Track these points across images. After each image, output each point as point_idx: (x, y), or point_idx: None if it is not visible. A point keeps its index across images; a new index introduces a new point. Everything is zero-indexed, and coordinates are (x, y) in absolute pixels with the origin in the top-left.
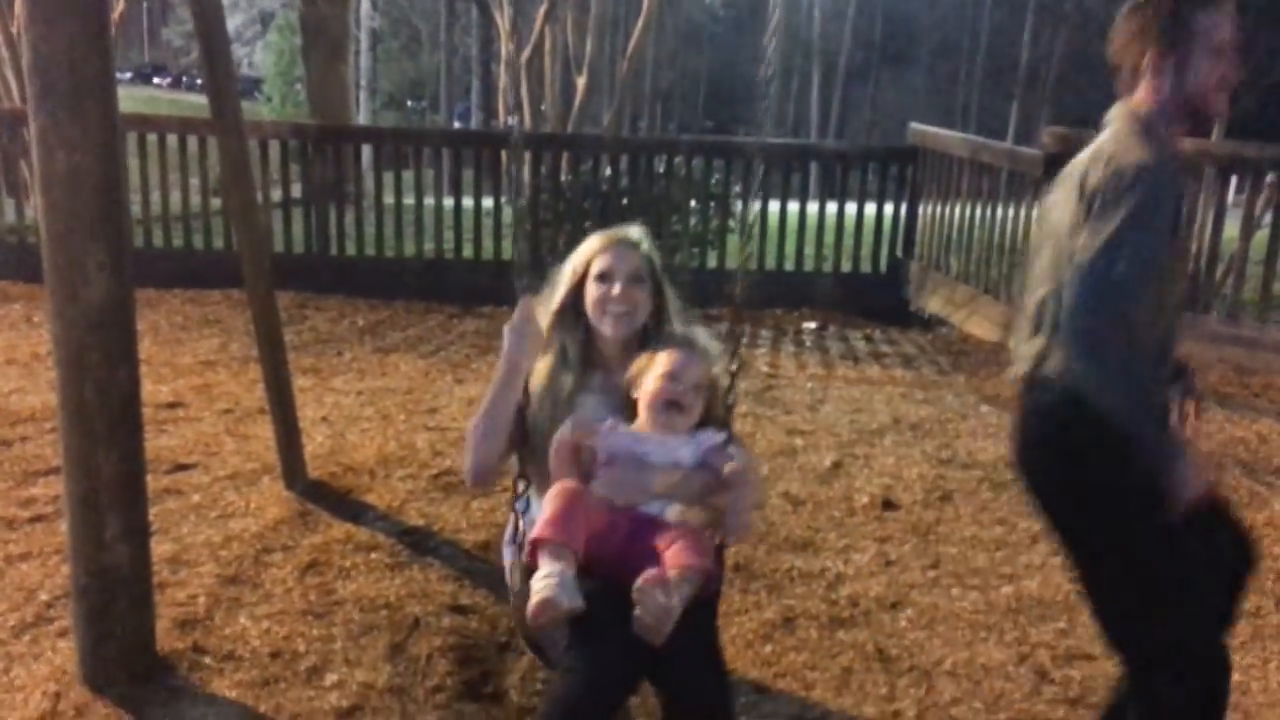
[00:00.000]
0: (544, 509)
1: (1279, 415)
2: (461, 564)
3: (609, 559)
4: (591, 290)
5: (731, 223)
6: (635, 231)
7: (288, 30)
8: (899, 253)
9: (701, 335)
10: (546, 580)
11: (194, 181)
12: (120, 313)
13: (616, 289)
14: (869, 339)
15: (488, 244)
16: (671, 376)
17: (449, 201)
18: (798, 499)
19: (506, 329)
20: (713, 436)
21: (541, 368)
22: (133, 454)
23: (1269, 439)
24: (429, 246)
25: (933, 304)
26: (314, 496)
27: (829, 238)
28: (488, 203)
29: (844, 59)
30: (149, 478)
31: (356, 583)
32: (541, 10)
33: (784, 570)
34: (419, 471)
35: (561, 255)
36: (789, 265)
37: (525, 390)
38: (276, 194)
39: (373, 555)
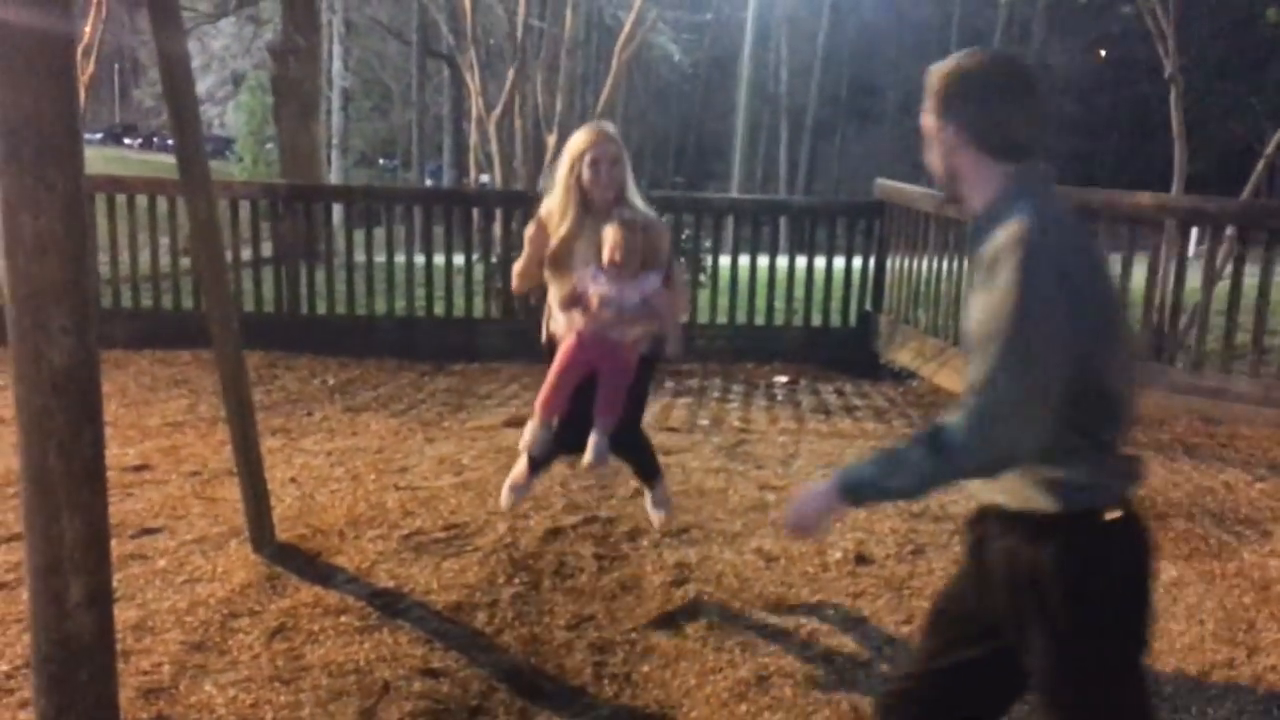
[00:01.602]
0: (546, 382)
1: (1245, 465)
2: (432, 626)
3: (589, 361)
4: (586, 173)
5: (703, 277)
6: (609, 126)
7: (259, 90)
8: (868, 306)
9: (641, 208)
10: (528, 435)
11: (164, 241)
12: (84, 376)
13: (602, 172)
14: (840, 392)
15: (459, 301)
16: (614, 247)
17: (420, 259)
18: (770, 555)
19: (527, 233)
20: (653, 281)
21: (557, 216)
22: (97, 519)
23: (1236, 488)
24: (400, 304)
25: (903, 357)
26: (282, 559)
27: (799, 291)
28: (459, 260)
29: (811, 115)
30: (114, 542)
31: (325, 647)
32: (512, 70)
33: (758, 627)
34: (389, 532)
35: (534, 309)
36: (759, 319)
37: (547, 237)
38: (247, 253)
39: (342, 619)
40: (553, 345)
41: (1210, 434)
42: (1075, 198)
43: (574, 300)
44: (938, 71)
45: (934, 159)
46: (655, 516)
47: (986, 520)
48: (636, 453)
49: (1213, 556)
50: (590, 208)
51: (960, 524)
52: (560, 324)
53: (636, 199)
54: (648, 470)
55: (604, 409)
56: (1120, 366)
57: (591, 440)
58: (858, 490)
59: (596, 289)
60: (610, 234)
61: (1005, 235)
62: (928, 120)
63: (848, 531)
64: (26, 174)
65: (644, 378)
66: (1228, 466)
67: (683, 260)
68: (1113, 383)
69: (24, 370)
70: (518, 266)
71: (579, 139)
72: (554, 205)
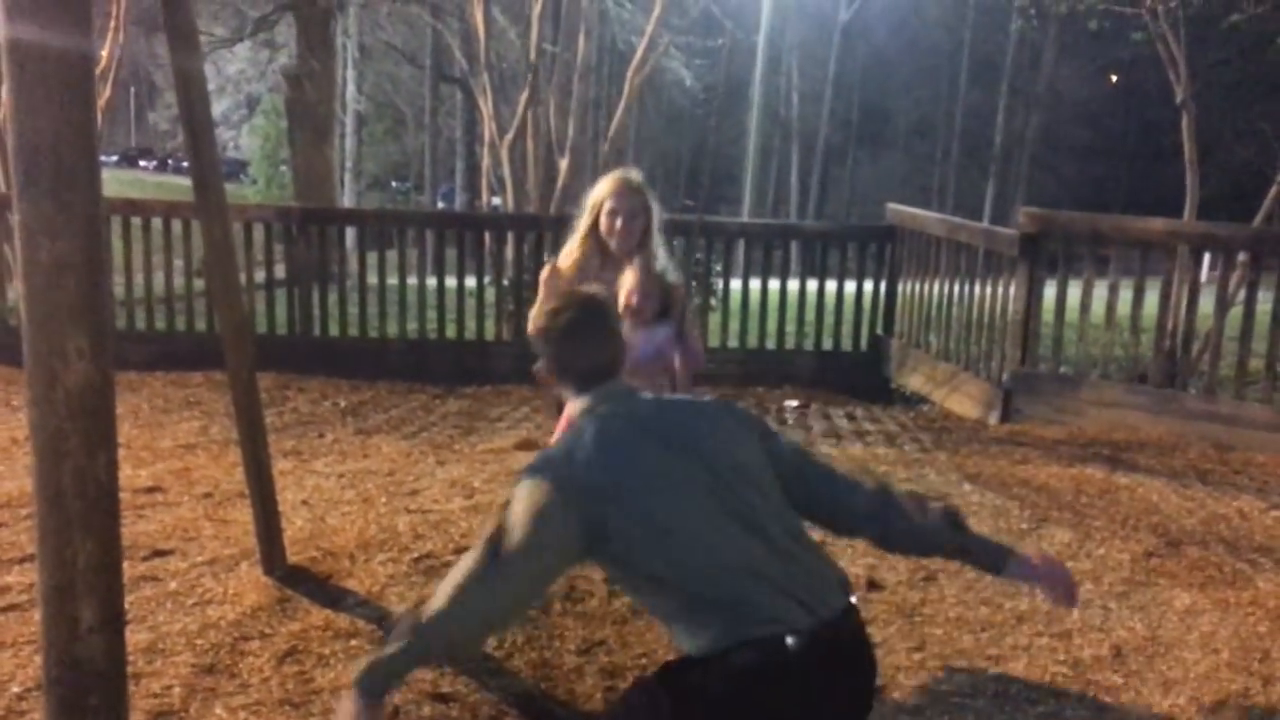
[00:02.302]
0: (562, 423)
1: (1260, 492)
2: None
3: None
4: (604, 222)
5: (713, 301)
6: (635, 175)
7: (274, 114)
8: (879, 330)
9: (662, 260)
10: None
11: (178, 263)
12: (99, 399)
13: (619, 224)
14: (851, 417)
15: (470, 324)
16: (628, 291)
17: (432, 282)
18: None
19: (542, 277)
20: (664, 332)
21: (575, 260)
22: (110, 542)
23: (1250, 516)
24: (412, 327)
25: (914, 381)
26: (293, 582)
27: (810, 315)
28: (471, 283)
29: (822, 140)
30: (126, 564)
31: (335, 671)
32: (524, 94)
33: None
34: (400, 555)
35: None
36: (770, 343)
37: (562, 281)
38: (260, 275)
39: (352, 642)
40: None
41: (1224, 461)
42: (1087, 223)
43: None
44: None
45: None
46: None
47: None
48: None
49: (1227, 584)
50: (607, 257)
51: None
52: None
53: (659, 250)
54: None
55: None
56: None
57: None
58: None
59: None
60: (628, 277)
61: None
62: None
63: (859, 557)
64: (44, 197)
65: None
66: (1242, 494)
67: (698, 260)
68: (681, 575)
69: (39, 393)
70: (535, 311)
71: (601, 187)
72: (571, 251)
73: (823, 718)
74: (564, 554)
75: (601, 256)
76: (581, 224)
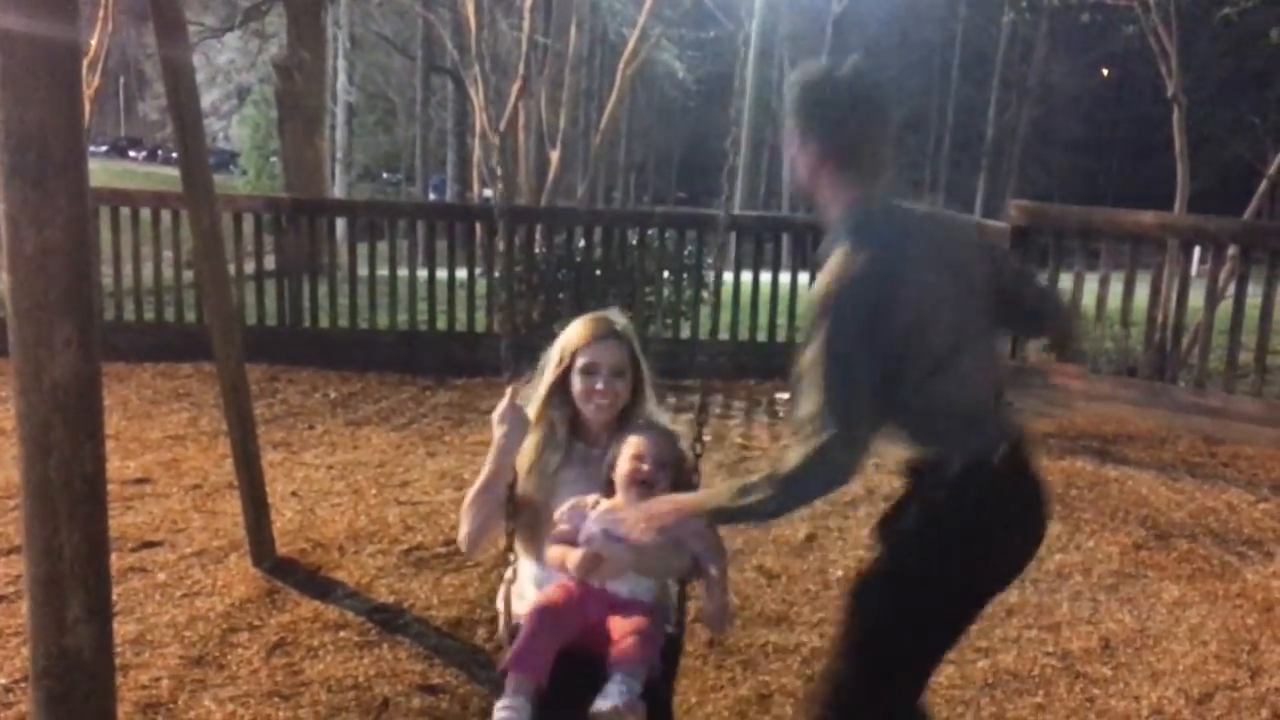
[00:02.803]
0: (522, 628)
1: (1248, 485)
2: (432, 642)
3: (580, 636)
4: (577, 381)
5: (704, 294)
6: (618, 321)
7: (264, 104)
8: None
9: (665, 420)
10: (504, 714)
11: (167, 254)
12: (86, 390)
13: (600, 384)
14: None
15: (461, 316)
16: (639, 458)
17: (423, 273)
18: (772, 573)
19: (495, 417)
20: (692, 524)
21: (530, 443)
22: (97, 533)
23: (1238, 509)
24: (403, 318)
25: None
26: (282, 574)
27: (801, 308)
28: (462, 274)
29: None
30: (114, 556)
31: (324, 662)
32: (515, 85)
33: (759, 646)
34: (389, 547)
35: (536, 327)
36: (761, 336)
37: (513, 467)
38: (250, 266)
39: (341, 634)
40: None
41: (1213, 454)
42: (1078, 216)
43: (564, 540)
44: (797, 82)
45: (792, 169)
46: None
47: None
48: None
49: (1215, 577)
50: (581, 431)
51: None
52: (529, 599)
53: (654, 408)
54: None
55: (624, 653)
56: (956, 369)
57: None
58: (715, 512)
59: (603, 523)
60: (634, 444)
61: (824, 273)
62: (789, 131)
63: (849, 550)
64: (30, 187)
65: (666, 668)
66: (1230, 486)
67: (689, 253)
68: (947, 385)
69: (25, 384)
70: (476, 489)
71: (574, 332)
72: (533, 415)
73: (1016, 530)
74: (882, 359)
75: (571, 426)
76: (546, 379)
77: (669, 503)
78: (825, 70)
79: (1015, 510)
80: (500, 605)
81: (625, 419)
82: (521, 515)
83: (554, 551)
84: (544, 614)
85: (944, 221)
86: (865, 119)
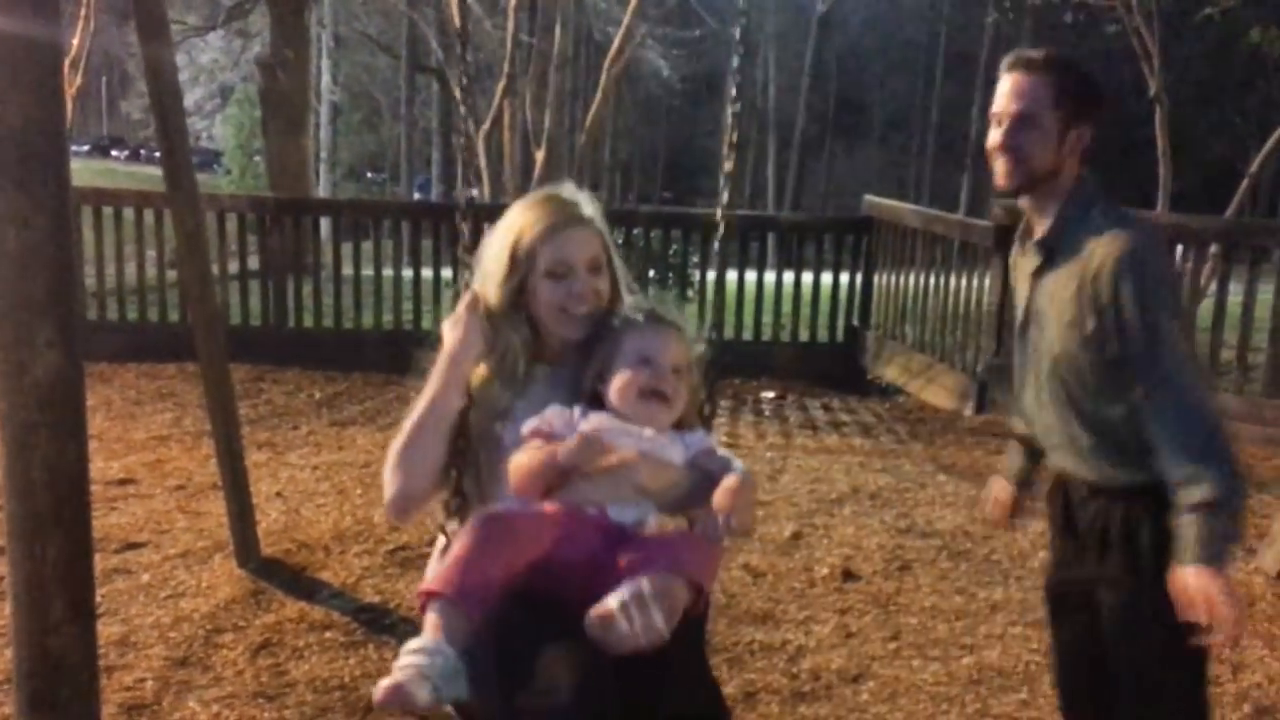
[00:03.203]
0: (453, 546)
1: None
2: None
3: (567, 581)
4: (543, 290)
5: (690, 293)
6: (580, 200)
7: (247, 103)
8: (855, 321)
9: (671, 308)
10: (412, 659)
11: (150, 254)
12: (69, 390)
13: (578, 286)
14: (827, 408)
15: (447, 315)
16: (648, 360)
17: (408, 273)
18: (758, 570)
19: (447, 324)
20: (701, 438)
21: (478, 372)
22: (81, 534)
23: None
24: (388, 318)
25: (890, 372)
26: (267, 574)
27: (786, 307)
28: (447, 273)
29: (799, 132)
30: (98, 557)
31: (310, 663)
32: (500, 84)
33: (744, 643)
34: (375, 547)
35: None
36: (747, 334)
37: (467, 386)
38: (234, 266)
39: (327, 634)
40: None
41: None
42: None
43: (540, 436)
44: (1073, 68)
45: (1034, 147)
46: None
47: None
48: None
49: None
50: (540, 350)
51: (946, 540)
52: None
53: (627, 293)
54: None
55: (650, 558)
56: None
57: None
58: (1226, 555)
59: (607, 425)
60: (635, 343)
61: (1115, 246)
62: (1051, 116)
63: (835, 548)
64: (11, 186)
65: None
66: None
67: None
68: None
69: (8, 384)
70: (411, 425)
71: (525, 222)
72: (488, 322)
73: None
74: None
75: (534, 343)
76: (492, 296)
77: (1223, 593)
78: (1078, 60)
79: None
80: (427, 576)
81: (598, 325)
82: (471, 456)
83: (522, 459)
84: (491, 524)
85: None
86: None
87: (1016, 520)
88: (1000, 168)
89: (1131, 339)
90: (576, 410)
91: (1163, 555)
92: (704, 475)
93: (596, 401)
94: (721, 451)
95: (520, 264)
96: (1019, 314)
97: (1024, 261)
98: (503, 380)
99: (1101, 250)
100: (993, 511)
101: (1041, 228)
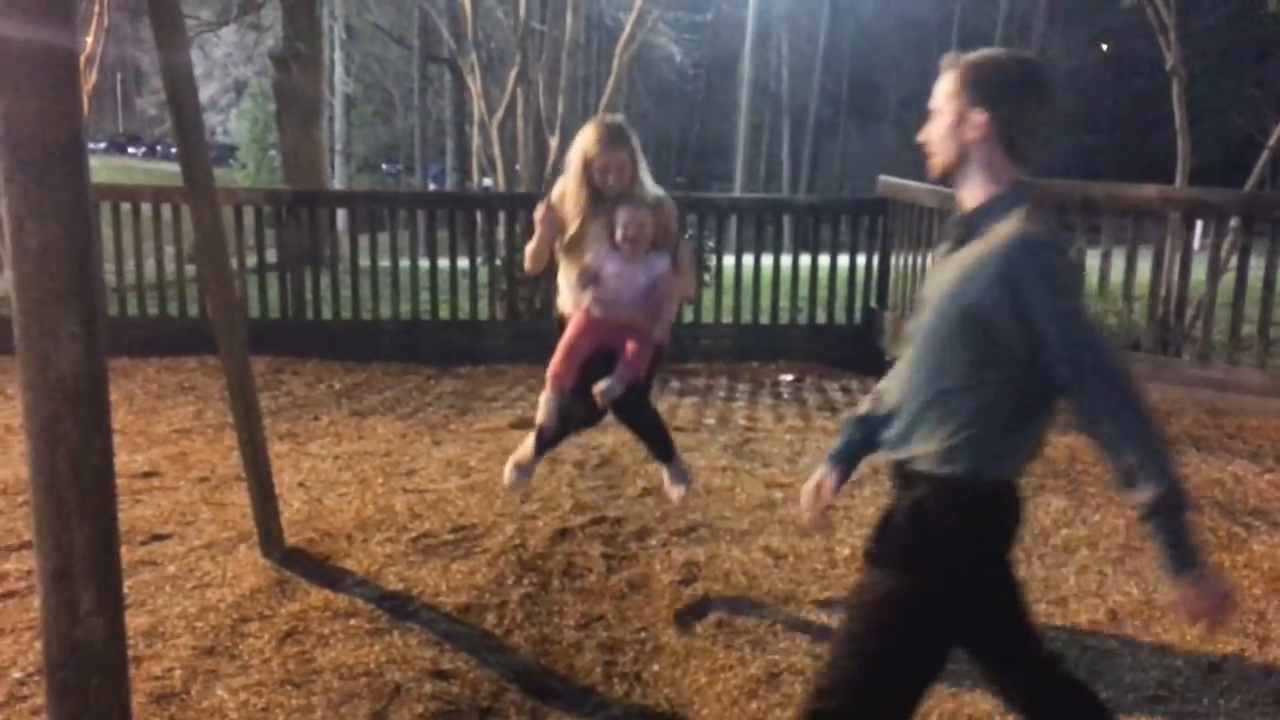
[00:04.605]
0: (556, 353)
1: (1253, 456)
2: (442, 628)
3: (600, 341)
4: (595, 175)
5: (707, 277)
6: (616, 123)
7: (261, 97)
8: (873, 303)
9: (651, 189)
10: (542, 410)
11: (168, 249)
12: (93, 383)
13: (611, 178)
14: (846, 390)
15: (464, 304)
16: (625, 224)
17: (424, 263)
18: (779, 552)
19: (537, 215)
20: (661, 263)
21: (570, 202)
22: (107, 526)
23: (1244, 480)
24: (405, 308)
25: None
26: (291, 563)
27: (803, 289)
28: (463, 263)
29: (813, 114)
30: (124, 549)
31: (335, 650)
32: (513, 73)
33: (767, 625)
34: (397, 535)
35: (538, 312)
36: (764, 318)
37: (558, 218)
38: (252, 260)
39: (351, 622)
40: (562, 324)
41: (1217, 426)
42: (1079, 191)
43: (587, 279)
44: (977, 60)
45: (941, 140)
46: (675, 492)
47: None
48: (646, 419)
49: (1222, 548)
50: (601, 196)
51: None
52: (568, 302)
53: (647, 179)
54: (661, 442)
55: (624, 363)
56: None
57: (606, 380)
58: (1199, 550)
59: (610, 268)
60: (623, 215)
61: (1017, 232)
62: (950, 104)
63: (855, 528)
64: (31, 182)
65: (651, 364)
66: (1235, 458)
67: (690, 236)
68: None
69: (32, 378)
70: (531, 246)
71: (588, 140)
72: (567, 190)
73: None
74: None
75: (595, 197)
76: (571, 170)
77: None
78: (1009, 52)
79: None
80: (555, 302)
81: (632, 182)
82: (566, 244)
83: (581, 282)
84: (572, 343)
85: None
86: (1041, 105)
87: (827, 517)
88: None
89: (1042, 330)
90: (605, 249)
91: (939, 552)
92: (658, 289)
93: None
94: (670, 264)
95: (585, 158)
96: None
97: (943, 248)
98: (586, 205)
99: (1003, 234)
100: (811, 504)
101: (961, 214)
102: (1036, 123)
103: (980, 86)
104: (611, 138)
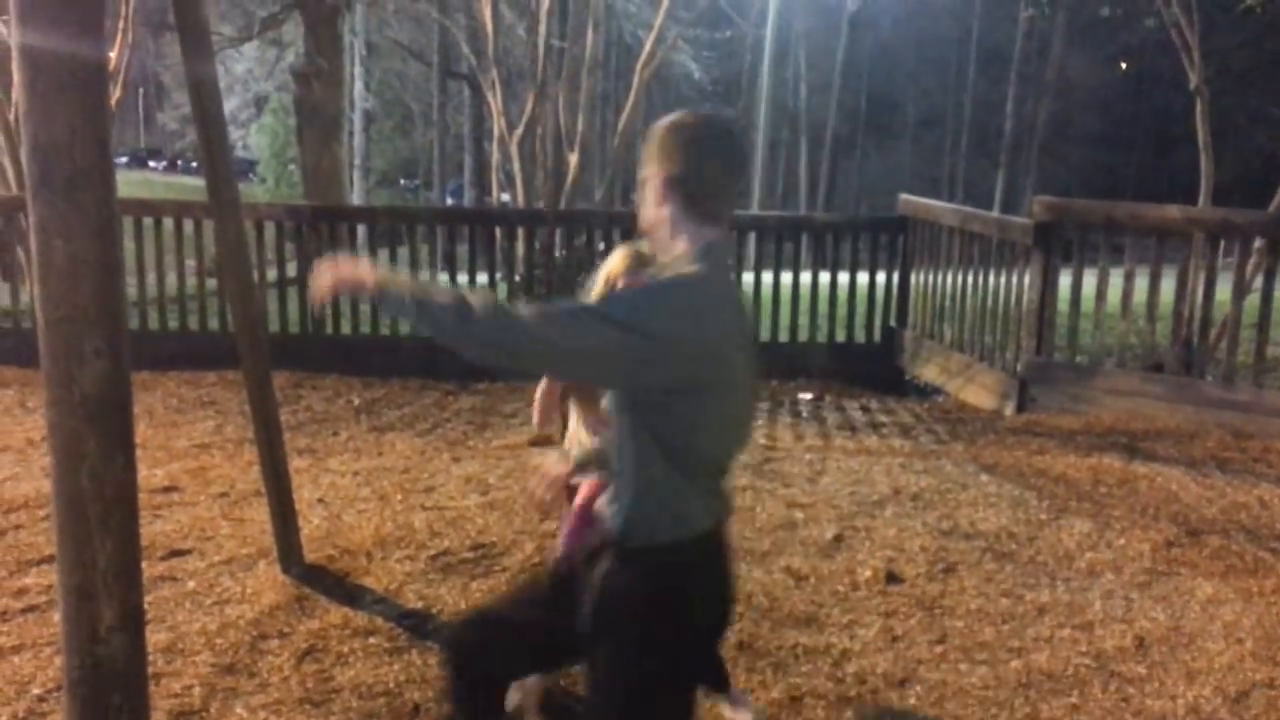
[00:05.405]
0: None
1: (1279, 480)
2: None
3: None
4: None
5: None
6: (644, 249)
7: (282, 112)
8: (892, 322)
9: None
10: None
11: (190, 263)
12: (117, 399)
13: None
14: (865, 409)
15: None
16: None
17: (443, 278)
18: (800, 574)
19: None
20: None
21: None
22: (128, 542)
23: (1270, 504)
24: None
25: (928, 372)
26: (311, 580)
27: (823, 308)
28: (482, 279)
29: (830, 131)
30: (144, 564)
31: (355, 669)
32: (533, 89)
33: (789, 647)
34: (416, 552)
35: None
36: (783, 336)
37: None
38: (272, 274)
39: (371, 640)
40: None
41: (1242, 449)
42: (1102, 211)
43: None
44: (660, 123)
45: (643, 204)
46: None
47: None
48: None
49: (1249, 573)
50: None
51: (990, 541)
52: (576, 448)
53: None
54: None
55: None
56: (718, 423)
57: None
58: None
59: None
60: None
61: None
62: (646, 168)
63: (877, 550)
64: (58, 198)
65: None
66: (1261, 481)
67: None
68: (702, 437)
69: (56, 394)
70: (541, 387)
71: (616, 267)
72: None
73: (712, 607)
74: (632, 375)
75: None
76: (595, 294)
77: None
78: (698, 114)
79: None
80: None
81: None
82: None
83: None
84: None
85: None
86: (731, 165)
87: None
88: None
89: None
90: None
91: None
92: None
93: None
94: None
95: (610, 281)
96: None
97: None
98: None
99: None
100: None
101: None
102: (721, 182)
103: (660, 152)
104: (640, 264)
